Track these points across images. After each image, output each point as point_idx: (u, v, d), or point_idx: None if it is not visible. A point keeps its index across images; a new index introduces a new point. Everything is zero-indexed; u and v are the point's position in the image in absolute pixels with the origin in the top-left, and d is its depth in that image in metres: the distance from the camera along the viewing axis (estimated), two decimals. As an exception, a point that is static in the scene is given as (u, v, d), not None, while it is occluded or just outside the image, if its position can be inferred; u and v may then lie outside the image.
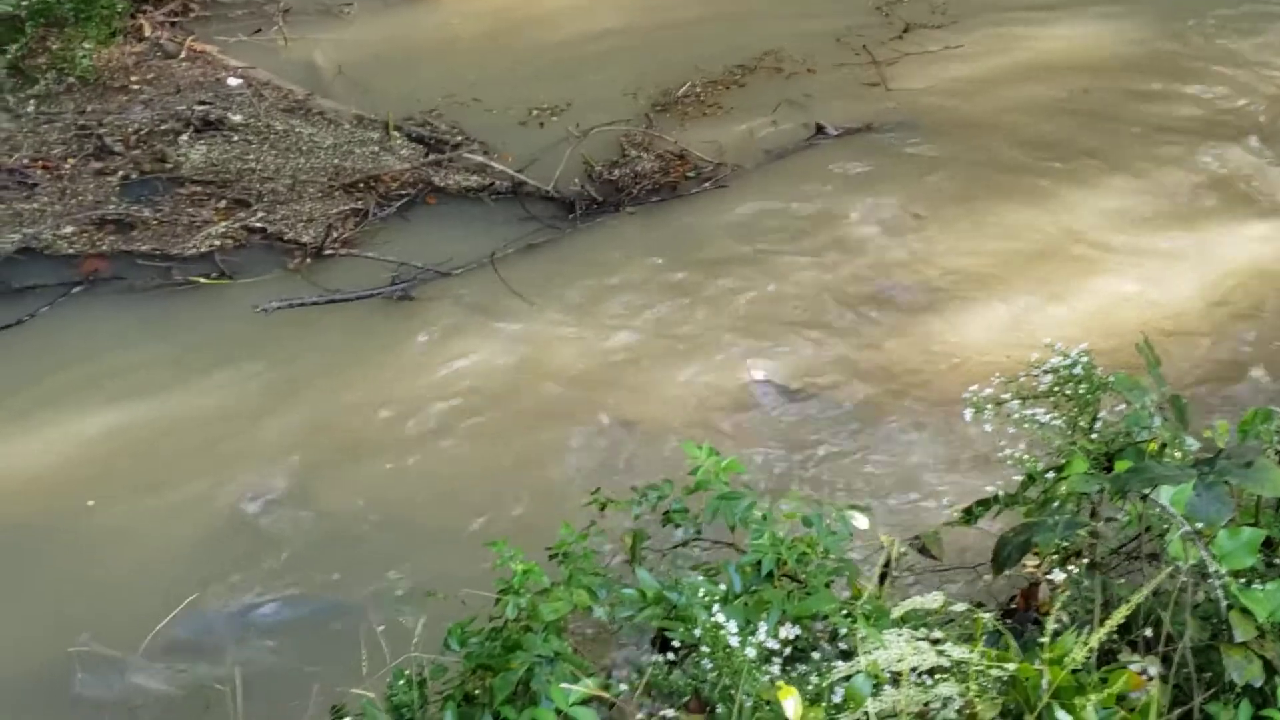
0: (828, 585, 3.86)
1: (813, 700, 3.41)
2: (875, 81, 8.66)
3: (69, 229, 7.22)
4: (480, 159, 7.83)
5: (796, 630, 3.64)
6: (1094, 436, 4.06)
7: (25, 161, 7.67)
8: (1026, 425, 4.17)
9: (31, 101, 8.05)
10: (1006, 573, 4.07)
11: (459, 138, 8.09)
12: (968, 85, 8.62)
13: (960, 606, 3.69)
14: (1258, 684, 3.45)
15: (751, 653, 3.48)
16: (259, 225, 7.35)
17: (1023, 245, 7.29)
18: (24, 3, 8.00)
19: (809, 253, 7.24)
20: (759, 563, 3.90)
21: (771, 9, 9.38)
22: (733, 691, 3.45)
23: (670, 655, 3.78)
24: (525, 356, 6.62)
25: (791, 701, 3.23)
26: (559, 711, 3.46)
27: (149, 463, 6.05)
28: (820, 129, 8.15)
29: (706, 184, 7.73)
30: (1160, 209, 7.55)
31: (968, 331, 6.71)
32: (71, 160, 7.72)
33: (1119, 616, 3.30)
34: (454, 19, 9.18)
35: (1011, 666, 3.37)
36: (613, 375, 6.51)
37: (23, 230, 7.20)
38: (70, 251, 7.11)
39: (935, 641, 3.37)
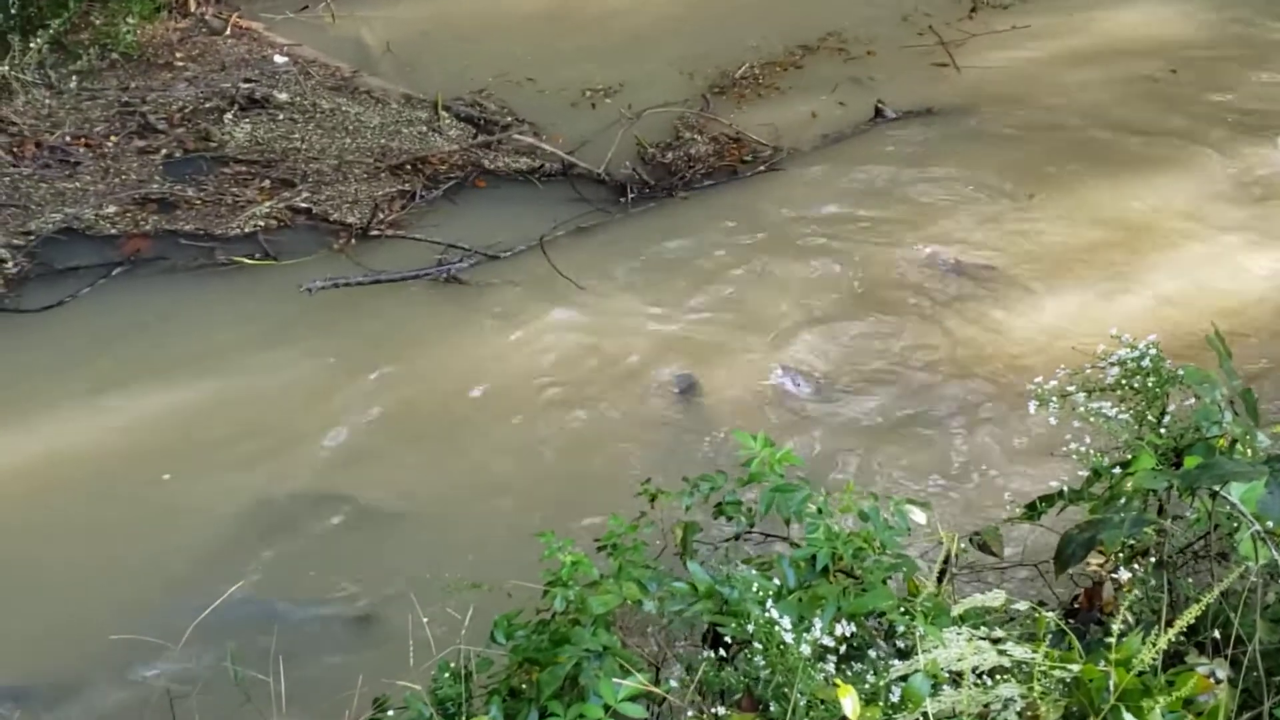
0: (885, 581, 3.86)
1: (869, 699, 3.41)
2: (943, 62, 8.62)
3: (111, 208, 7.28)
4: (530, 140, 7.85)
5: (852, 627, 3.64)
6: (1162, 431, 4.04)
7: (67, 139, 7.73)
8: (1092, 419, 4.15)
9: (74, 78, 8.11)
10: (1070, 571, 4.06)
11: (509, 118, 8.11)
12: (1034, 67, 8.58)
13: (1022, 605, 3.68)
14: (1331, 688, 3.43)
15: (806, 650, 3.48)
16: (304, 205, 7.39)
17: (1088, 233, 7.26)
18: (67, -23, 8.06)
19: (864, 238, 7.24)
20: (814, 557, 3.90)
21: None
22: (786, 689, 3.45)
23: (722, 651, 3.79)
24: (572, 342, 6.64)
25: (850, 700, 3.23)
26: (607, 707, 3.48)
27: (190, 449, 6.10)
28: (879, 112, 8.12)
29: (762, 167, 7.73)
30: (1234, 198, 7.50)
31: (1032, 320, 6.69)
32: (114, 138, 7.77)
33: (1187, 617, 3.29)
34: (505, -3, 9.21)
35: (1075, 668, 3.36)
36: (660, 363, 6.52)
37: (64, 210, 7.26)
38: (112, 231, 7.17)
39: (996, 641, 3.36)
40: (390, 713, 3.86)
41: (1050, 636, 3.51)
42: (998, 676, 3.38)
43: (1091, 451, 4.21)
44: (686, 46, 8.70)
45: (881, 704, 3.42)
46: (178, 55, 8.44)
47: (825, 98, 8.32)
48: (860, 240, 7.22)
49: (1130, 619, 3.61)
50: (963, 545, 4.29)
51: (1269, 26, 8.90)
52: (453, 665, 3.81)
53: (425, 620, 3.99)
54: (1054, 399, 4.20)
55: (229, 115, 7.98)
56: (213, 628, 4.39)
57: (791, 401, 6.31)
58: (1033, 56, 8.66)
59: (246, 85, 8.19)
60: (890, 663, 3.53)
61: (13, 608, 5.43)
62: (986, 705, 3.34)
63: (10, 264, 6.95)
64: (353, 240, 7.21)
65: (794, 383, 6.41)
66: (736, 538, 4.31)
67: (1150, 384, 4.10)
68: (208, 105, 8.05)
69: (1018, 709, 3.34)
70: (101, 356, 6.52)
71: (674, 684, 3.66)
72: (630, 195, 7.54)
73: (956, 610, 3.60)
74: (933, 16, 9.03)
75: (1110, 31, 8.89)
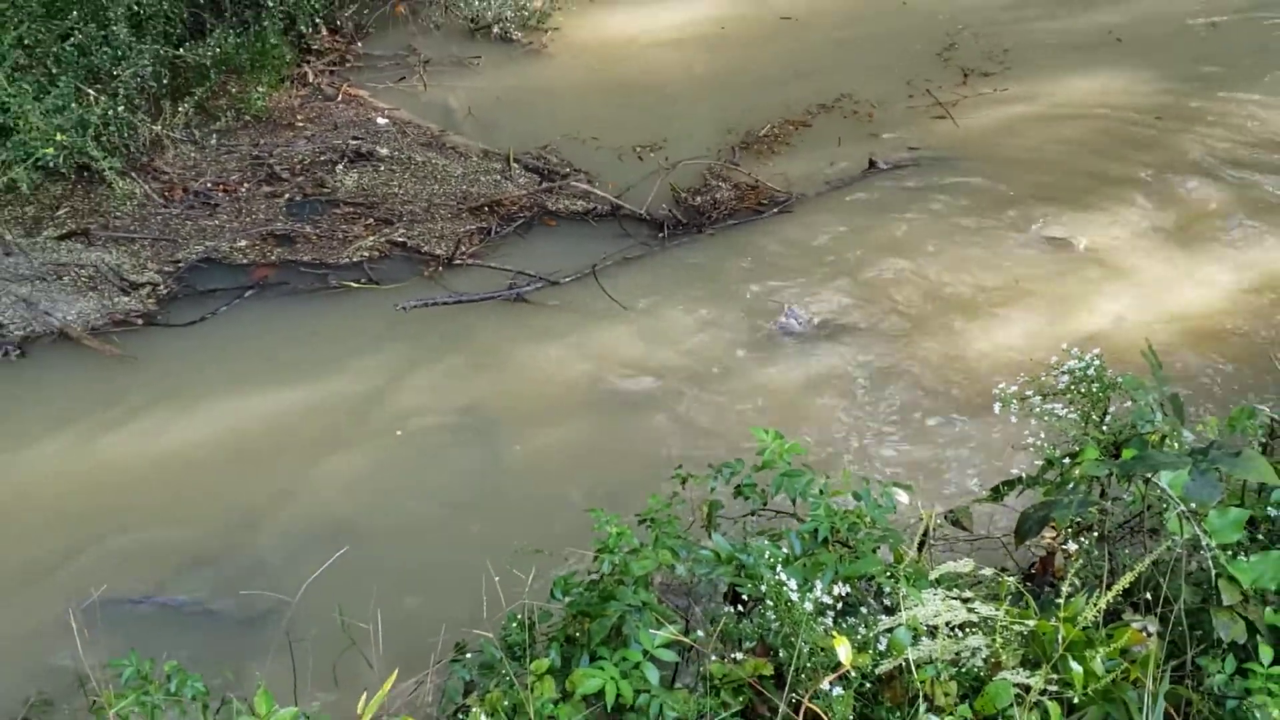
0: (874, 550, 3.86)
1: (861, 648, 3.41)
2: (940, 115, 8.58)
3: (243, 242, 7.33)
4: (585, 187, 7.86)
5: (847, 588, 3.64)
6: (1104, 428, 4.03)
7: (208, 185, 7.79)
8: (1046, 418, 4.14)
9: (214, 135, 8.17)
10: (1028, 543, 4.05)
11: (568, 169, 8.12)
12: (1007, 124, 8.54)
13: (988, 571, 3.68)
14: (1241, 641, 3.42)
15: (809, 606, 3.48)
16: (400, 239, 7.42)
17: (1046, 263, 7.23)
18: (209, 53, 8.11)
19: (859, 267, 7.23)
20: (816, 530, 3.89)
21: (850, 59, 9.29)
22: (793, 639, 3.45)
23: (740, 607, 3.79)
24: (618, 353, 6.66)
25: (844, 649, 3.23)
26: (646, 653, 3.48)
27: (308, 432, 6.16)
28: (873, 163, 8.09)
29: (775, 209, 7.72)
30: (1161, 235, 7.47)
31: (997, 338, 6.66)
32: (246, 185, 7.82)
33: (1124, 582, 3.28)
34: (566, 68, 9.22)
35: (1031, 623, 3.35)
36: (695, 368, 6.53)
37: (206, 243, 7.31)
38: (244, 261, 7.21)
39: (966, 600, 3.36)
40: (468, 655, 3.88)
41: (1011, 597, 3.50)
42: (967, 630, 3.37)
43: (1046, 445, 4.20)
44: (719, 109, 8.69)
45: (871, 652, 3.42)
46: (298, 117, 8.49)
47: (831, 151, 8.29)
48: (851, 269, 7.22)
49: (1077, 583, 3.60)
50: (939, 521, 4.29)
51: (1200, 94, 8.83)
52: (519, 617, 3.83)
53: (497, 579, 4.00)
54: (1015, 401, 4.20)
55: (340, 166, 8.02)
56: (324, 585, 4.42)
57: (800, 405, 6.31)
58: (1007, 116, 8.61)
59: (354, 142, 8.23)
60: (878, 618, 3.53)
61: (169, 546, 5.53)
62: (958, 653, 3.34)
63: (161, 286, 7.01)
64: (440, 268, 7.24)
65: (796, 322, 6.60)
66: (752, 514, 4.32)
67: (1094, 390, 4.09)
68: (322, 158, 8.09)
69: (983, 656, 3.34)
70: (236, 362, 6.57)
71: (700, 634, 3.67)
72: (667, 232, 7.54)
73: (933, 575, 3.60)
74: (931, 81, 8.98)
75: (1073, 95, 8.84)
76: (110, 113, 7.53)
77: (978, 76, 9.05)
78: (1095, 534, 3.92)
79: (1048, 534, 4.31)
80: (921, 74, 9.07)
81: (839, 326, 6.78)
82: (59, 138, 7.20)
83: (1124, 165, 8.11)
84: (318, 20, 9.15)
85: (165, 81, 8.03)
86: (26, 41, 7.44)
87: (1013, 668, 3.27)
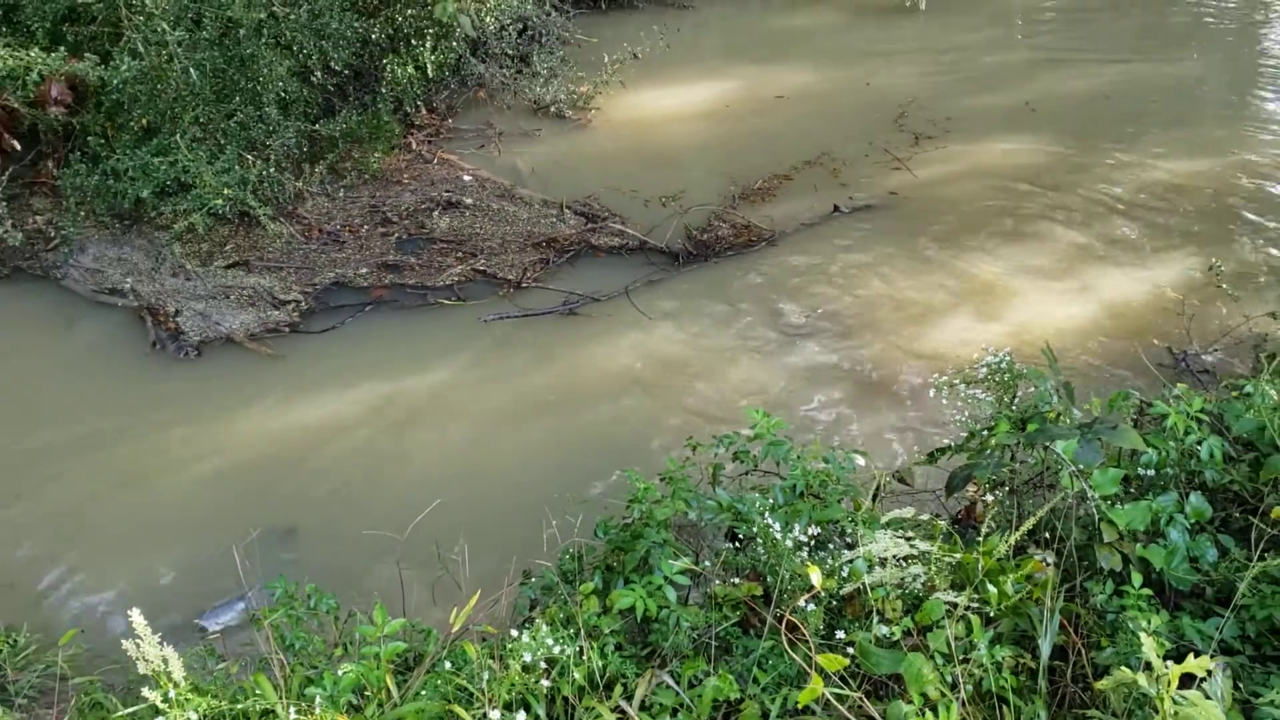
0: (839, 501, 3.86)
1: (829, 574, 3.42)
2: (896, 166, 8.55)
3: (364, 270, 7.37)
4: (620, 226, 7.87)
5: (818, 530, 3.64)
6: (1013, 408, 4.02)
7: (338, 227, 7.84)
8: (970, 400, 4.13)
9: (341, 190, 8.22)
10: (956, 495, 4.05)
11: (607, 214, 8.12)
12: (948, 176, 8.50)
13: (925, 517, 3.67)
14: (1118, 569, 3.42)
15: (789, 543, 3.49)
16: (482, 268, 7.45)
17: (969, 282, 7.19)
18: (338, 128, 8.18)
19: (826, 286, 7.21)
20: (794, 486, 3.90)
21: (826, 127, 9.26)
22: (777, 568, 3.46)
23: (737, 544, 3.80)
24: (645, 352, 6.66)
25: (816, 575, 3.24)
26: (666, 578, 3.50)
27: (414, 412, 6.18)
28: (836, 208, 8.07)
29: (763, 243, 7.71)
30: (1060, 261, 7.42)
31: (933, 338, 6.64)
32: (366, 227, 7.87)
33: (1029, 525, 3.28)
34: (606, 138, 9.23)
35: (958, 556, 3.35)
36: (702, 364, 6.53)
37: (335, 270, 7.36)
38: (364, 284, 7.25)
39: (909, 539, 3.36)
40: (533, 579, 3.90)
41: (943, 536, 3.50)
42: (909, 561, 3.38)
43: (969, 420, 4.19)
44: (723, 167, 8.68)
45: (836, 577, 3.42)
46: (404, 176, 8.53)
47: (806, 198, 8.26)
48: (823, 287, 7.20)
49: (993, 525, 3.60)
50: (888, 479, 4.29)
51: (1090, 154, 8.77)
52: (570, 551, 3.85)
53: (554, 523, 4.03)
54: (946, 387, 4.19)
55: (435, 212, 8.06)
56: (422, 528, 4.46)
57: (779, 392, 6.29)
58: (941, 172, 8.57)
59: (446, 194, 8.26)
60: (842, 552, 3.53)
61: (309, 497, 5.55)
62: (902, 579, 3.34)
63: (303, 303, 7.06)
64: (511, 289, 7.27)
65: (795, 316, 6.71)
66: (746, 473, 4.33)
67: (1006, 379, 4.08)
68: (423, 206, 8.12)
69: (922, 581, 3.34)
70: (359, 360, 6.61)
71: (707, 564, 3.68)
72: (681, 260, 7.54)
73: (884, 520, 3.60)
74: (889, 143, 8.95)
75: (990, 155, 8.79)
76: (264, 173, 7.59)
77: (925, 139, 9.02)
78: (1007, 488, 3.92)
79: (971, 488, 4.31)
80: (881, 137, 9.04)
81: (811, 331, 6.76)
82: (226, 192, 7.27)
83: (1035, 206, 8.06)
84: (419, 103, 9.20)
85: (305, 149, 8.09)
86: (201, 120, 7.51)
87: (944, 589, 3.27)
